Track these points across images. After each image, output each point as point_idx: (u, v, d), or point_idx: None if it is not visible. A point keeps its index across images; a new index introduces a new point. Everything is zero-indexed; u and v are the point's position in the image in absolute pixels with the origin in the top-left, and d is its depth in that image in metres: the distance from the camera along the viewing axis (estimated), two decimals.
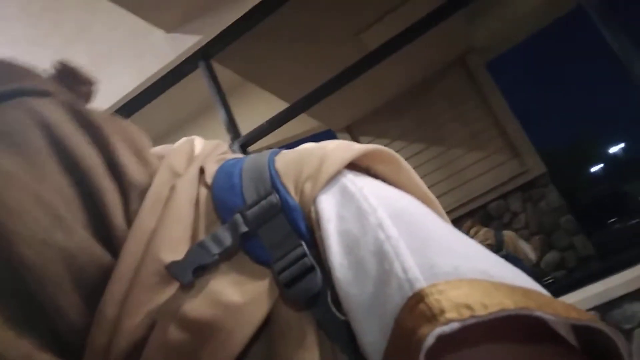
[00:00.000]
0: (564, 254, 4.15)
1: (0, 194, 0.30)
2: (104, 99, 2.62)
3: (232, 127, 2.44)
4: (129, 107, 2.67)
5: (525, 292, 0.24)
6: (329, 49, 3.17)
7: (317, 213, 0.30)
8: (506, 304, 0.22)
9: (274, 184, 0.33)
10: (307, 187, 0.32)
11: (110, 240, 0.32)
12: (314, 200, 0.31)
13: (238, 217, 0.32)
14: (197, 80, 2.53)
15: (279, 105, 3.31)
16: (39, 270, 0.29)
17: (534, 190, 4.29)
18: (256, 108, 3.51)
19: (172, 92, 2.69)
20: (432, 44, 3.60)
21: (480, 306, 0.21)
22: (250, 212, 0.32)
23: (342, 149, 0.34)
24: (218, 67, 2.59)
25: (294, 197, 0.32)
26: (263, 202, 0.32)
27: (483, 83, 4.54)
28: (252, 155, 0.38)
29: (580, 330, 0.25)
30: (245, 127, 2.46)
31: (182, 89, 2.72)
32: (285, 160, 0.35)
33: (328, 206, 0.31)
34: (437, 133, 4.39)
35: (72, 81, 0.41)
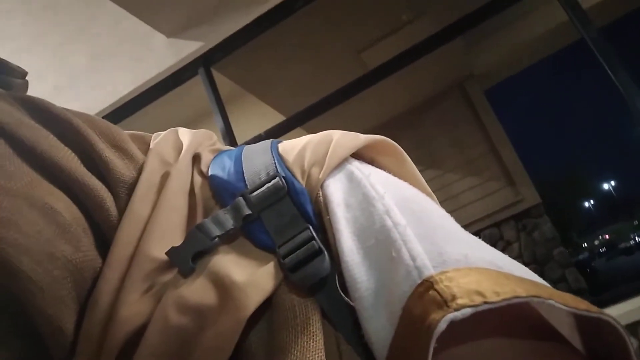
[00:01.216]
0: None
1: None
2: (100, 99, 2.60)
3: (228, 135, 2.43)
4: (125, 110, 2.65)
5: (534, 283, 0.23)
6: (329, 65, 3.19)
7: (325, 197, 0.30)
8: (518, 291, 0.21)
9: (280, 167, 0.32)
10: (314, 172, 0.31)
11: (105, 242, 0.30)
12: (321, 185, 0.30)
13: (240, 200, 0.30)
14: (196, 87, 2.51)
15: (275, 118, 3.30)
16: (42, 285, 0.26)
17: (528, 220, 4.29)
18: (252, 119, 3.50)
19: (170, 97, 2.68)
20: (431, 68, 3.63)
21: (492, 293, 0.21)
22: (253, 195, 0.30)
23: (348, 137, 0.34)
24: (217, 76, 2.58)
25: (300, 182, 0.31)
26: (268, 185, 0.30)
27: (481, 109, 4.57)
28: (250, 145, 0.37)
29: (584, 329, 0.25)
30: (241, 137, 2.45)
31: (180, 94, 2.70)
32: (289, 146, 0.34)
33: (335, 191, 0.30)
34: (433, 157, 4.40)
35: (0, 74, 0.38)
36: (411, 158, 0.36)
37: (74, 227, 0.29)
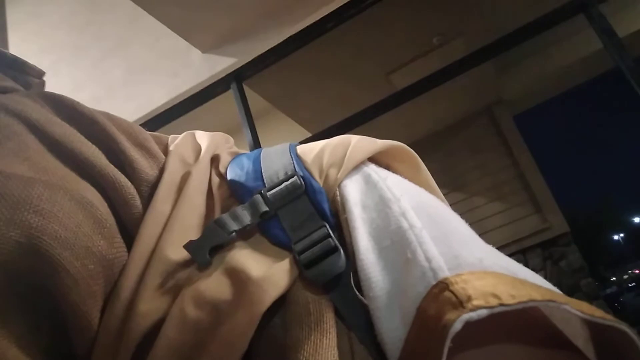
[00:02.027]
0: None
1: (28, 197, 0.27)
2: (135, 110, 2.69)
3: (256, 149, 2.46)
4: (159, 121, 2.72)
5: (550, 289, 0.23)
6: (357, 85, 3.21)
7: (342, 197, 0.30)
8: (534, 295, 0.21)
9: (298, 167, 0.32)
10: (332, 172, 0.32)
11: (130, 238, 0.30)
12: (338, 185, 0.31)
13: (258, 197, 0.31)
14: (227, 101, 2.57)
15: (301, 135, 3.34)
16: (78, 279, 0.27)
17: (555, 249, 4.18)
18: (280, 135, 3.54)
19: (202, 110, 2.74)
20: (460, 91, 3.62)
21: (508, 296, 0.21)
22: (270, 193, 0.31)
23: (366, 141, 0.34)
24: (248, 91, 2.64)
25: (318, 181, 0.31)
26: (286, 184, 0.31)
27: (509, 135, 4.51)
28: (269, 147, 0.38)
29: (598, 340, 0.25)
30: None
31: (211, 108, 2.77)
32: (308, 148, 0.35)
33: (353, 192, 0.30)
34: (459, 180, 4.35)
35: (19, 72, 0.38)
36: (436, 181, 0.37)
37: (109, 222, 0.29)
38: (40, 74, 0.39)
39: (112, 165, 0.32)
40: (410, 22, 2.82)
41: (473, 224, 0.31)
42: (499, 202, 4.26)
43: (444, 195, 0.36)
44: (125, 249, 0.30)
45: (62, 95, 0.36)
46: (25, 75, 0.39)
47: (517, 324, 0.23)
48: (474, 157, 4.50)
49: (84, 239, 0.28)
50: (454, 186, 4.30)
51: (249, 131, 2.47)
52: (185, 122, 2.83)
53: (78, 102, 0.35)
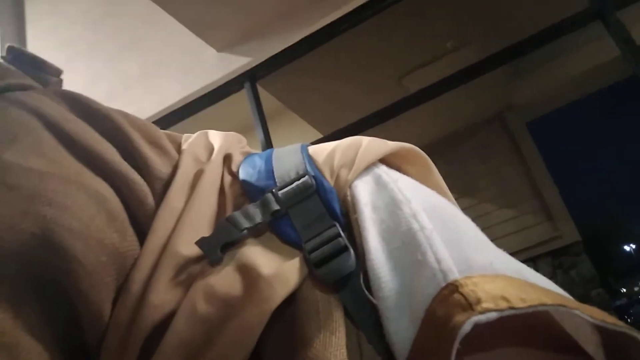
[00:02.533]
0: None
1: (43, 190, 0.28)
2: (150, 106, 2.71)
3: (268, 148, 2.47)
4: (172, 117, 2.75)
5: (560, 294, 0.23)
6: (370, 88, 3.21)
7: (353, 197, 0.30)
8: (544, 300, 0.21)
9: (309, 167, 0.33)
10: (343, 173, 0.32)
11: (141, 233, 0.31)
12: (349, 186, 0.31)
13: (269, 195, 0.31)
14: (240, 100, 2.58)
15: (313, 136, 3.34)
16: (90, 270, 0.27)
17: (566, 258, 4.13)
18: (292, 135, 3.55)
19: (215, 108, 2.76)
20: (472, 96, 3.60)
21: (518, 299, 0.21)
22: (282, 192, 0.32)
23: (377, 142, 0.35)
24: (261, 91, 2.65)
25: (329, 181, 0.32)
26: (297, 183, 0.32)
27: (521, 142, 4.47)
28: (280, 147, 0.38)
29: (609, 347, 0.25)
30: None
31: (224, 106, 2.78)
32: (319, 149, 0.35)
33: (363, 192, 0.30)
34: (469, 185, 4.32)
35: (37, 70, 0.39)
36: (447, 185, 0.37)
37: (122, 217, 0.30)
38: (57, 72, 0.40)
39: (125, 163, 0.33)
40: (424, 25, 2.81)
41: (483, 230, 0.30)
42: (510, 209, 4.22)
43: (455, 200, 0.36)
44: (138, 243, 0.30)
45: (78, 94, 0.37)
46: (44, 74, 0.39)
47: (526, 328, 0.23)
48: (485, 163, 4.47)
49: (97, 231, 0.28)
50: (464, 192, 4.27)
51: (262, 131, 2.48)
52: (198, 120, 2.85)
53: (93, 100, 0.36)
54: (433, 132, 4.38)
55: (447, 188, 0.36)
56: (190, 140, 0.39)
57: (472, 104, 3.98)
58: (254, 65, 2.49)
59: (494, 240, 0.29)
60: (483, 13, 2.85)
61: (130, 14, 2.84)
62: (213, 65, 2.57)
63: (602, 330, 0.23)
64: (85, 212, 0.28)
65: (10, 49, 0.38)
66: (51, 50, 2.93)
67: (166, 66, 2.71)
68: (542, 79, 4.42)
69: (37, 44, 3.01)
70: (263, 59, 2.46)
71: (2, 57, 0.39)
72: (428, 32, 2.91)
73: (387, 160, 0.35)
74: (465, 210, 0.32)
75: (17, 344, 0.26)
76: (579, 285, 4.02)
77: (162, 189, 0.33)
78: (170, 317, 0.27)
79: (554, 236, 4.09)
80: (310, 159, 0.34)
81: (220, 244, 0.29)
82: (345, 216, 0.31)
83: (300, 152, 0.35)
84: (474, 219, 0.31)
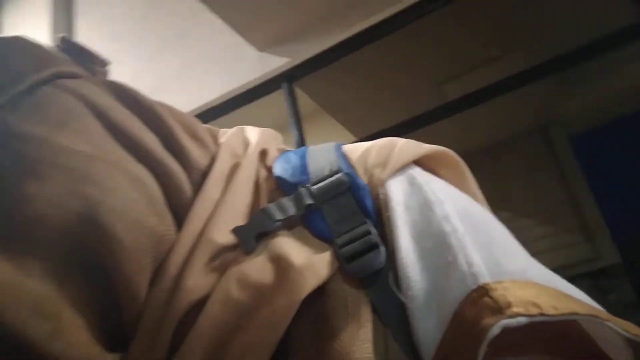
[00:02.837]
0: None
1: (89, 172, 0.30)
2: (189, 103, 2.76)
3: None
4: (210, 114, 2.79)
5: (593, 306, 0.23)
6: (408, 93, 3.17)
7: (385, 195, 0.31)
8: (577, 309, 0.21)
9: (343, 164, 0.33)
10: (377, 172, 0.32)
11: (178, 221, 0.32)
12: (382, 185, 0.31)
13: (303, 190, 0.32)
14: (276, 100, 2.60)
15: (347, 139, 3.33)
16: (130, 250, 0.29)
17: (605, 280, 3.96)
18: (326, 137, 3.54)
19: (251, 107, 2.79)
20: (515, 107, 3.50)
21: (550, 307, 0.21)
22: (315, 187, 0.32)
23: (413, 144, 0.35)
24: (298, 92, 2.66)
25: (362, 179, 0.32)
26: (331, 179, 0.32)
27: (563, 156, 4.32)
28: (315, 145, 0.39)
29: None
30: None
31: (261, 105, 2.81)
32: (354, 147, 0.36)
33: (396, 191, 0.31)
34: (505, 198, 4.20)
35: (86, 60, 0.41)
36: (484, 196, 0.36)
37: (161, 202, 0.32)
38: (105, 63, 0.42)
39: (166, 152, 0.34)
40: (467, 32, 2.76)
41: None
42: (547, 225, 4.09)
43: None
44: (175, 229, 0.32)
45: (124, 84, 0.38)
46: (92, 64, 0.41)
47: (556, 338, 0.22)
48: (525, 176, 4.34)
49: (138, 214, 0.30)
50: (500, 204, 4.16)
51: (296, 131, 2.49)
52: (234, 118, 2.89)
53: (138, 91, 0.38)
54: (471, 142, 4.29)
55: (481, 194, 0.36)
56: (228, 135, 0.41)
57: (515, 115, 3.88)
58: (292, 65, 2.51)
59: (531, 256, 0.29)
60: (529, 21, 2.77)
61: (176, 11, 2.91)
62: (252, 65, 2.60)
63: (635, 346, 0.23)
64: (128, 195, 0.30)
65: (63, 39, 0.40)
66: (97, 43, 3.03)
67: (207, 63, 2.76)
68: (589, 93, 4.25)
69: (85, 37, 3.13)
70: (302, 60, 2.47)
71: (55, 47, 0.41)
72: (471, 39, 2.85)
73: (421, 163, 0.35)
74: (502, 223, 0.31)
75: (59, 315, 0.27)
76: (619, 310, 3.83)
77: (199, 180, 0.34)
78: (203, 301, 0.28)
79: (592, 257, 3.93)
80: (345, 157, 0.35)
81: (254, 234, 0.30)
82: (377, 214, 0.31)
83: (335, 150, 0.36)
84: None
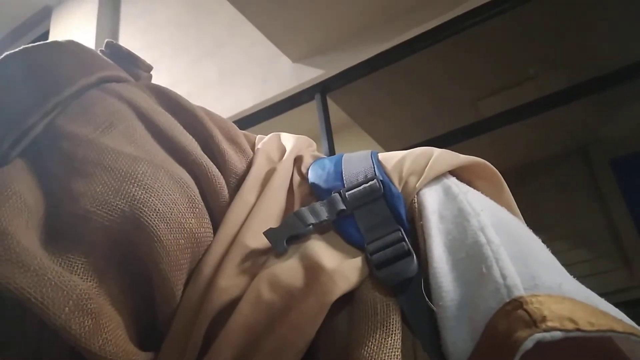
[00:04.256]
0: None
1: (134, 173, 0.31)
2: (224, 111, 2.81)
3: None
4: (244, 123, 2.83)
5: (631, 324, 0.23)
6: (442, 109, 3.14)
7: (420, 204, 0.31)
8: (615, 326, 0.20)
9: (378, 172, 0.33)
10: (412, 180, 0.32)
11: (214, 223, 0.33)
12: (417, 193, 0.31)
13: (336, 195, 0.32)
14: (309, 111, 2.62)
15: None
16: (169, 250, 0.29)
17: None
18: (355, 149, 3.54)
19: (284, 117, 2.82)
20: (555, 126, 3.41)
21: (586, 323, 0.20)
22: (349, 193, 0.32)
23: (449, 154, 0.35)
24: (330, 104, 2.67)
25: (397, 187, 0.32)
26: (365, 186, 0.32)
27: (603, 179, 4.16)
28: (350, 153, 0.39)
29: None
30: None
31: (293, 115, 2.83)
32: (389, 156, 0.36)
33: (431, 200, 0.30)
34: (541, 219, 4.07)
35: (130, 65, 0.42)
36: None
37: (200, 204, 0.33)
38: (148, 68, 0.44)
39: (205, 156, 0.35)
40: (504, 49, 2.71)
41: None
42: (584, 250, 3.93)
43: None
44: (212, 231, 0.32)
45: (167, 89, 0.40)
46: (136, 69, 0.43)
47: (590, 356, 0.22)
48: (562, 197, 4.20)
49: (178, 215, 0.30)
50: (535, 225, 3.92)
51: (327, 143, 2.49)
52: (266, 127, 2.92)
53: (180, 96, 0.39)
54: (508, 160, 4.19)
55: (517, 208, 0.35)
56: (264, 141, 0.42)
57: (553, 135, 3.78)
58: (326, 77, 2.52)
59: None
60: (571, 40, 2.70)
61: (215, 21, 2.98)
62: (287, 75, 2.63)
63: None
64: (170, 195, 0.31)
65: (109, 44, 0.42)
66: (139, 50, 3.13)
67: (243, 73, 2.81)
68: (633, 115, 4.10)
69: (128, 44, 3.23)
70: (336, 72, 2.48)
71: (101, 51, 0.43)
72: (509, 56, 2.80)
73: (457, 174, 0.34)
74: None
75: (99, 311, 0.28)
76: None
77: (236, 184, 0.36)
78: (235, 301, 0.29)
79: (630, 285, 3.75)
80: (380, 165, 0.34)
81: (286, 236, 0.31)
82: (410, 222, 0.31)
83: (370, 157, 0.36)
84: None
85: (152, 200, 0.30)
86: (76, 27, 3.44)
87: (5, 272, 0.26)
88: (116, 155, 0.32)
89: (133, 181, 0.30)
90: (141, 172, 0.31)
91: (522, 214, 0.35)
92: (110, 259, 0.30)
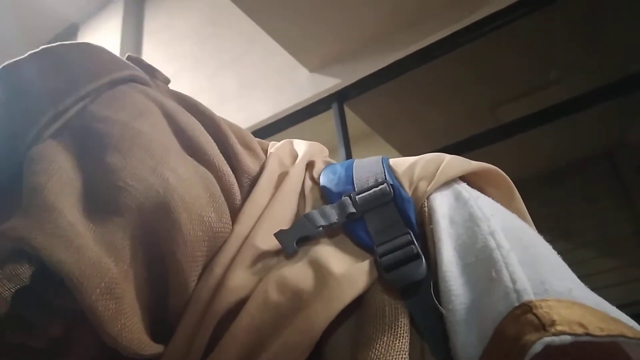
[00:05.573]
0: None
1: (167, 159, 0.32)
2: (243, 121, 2.84)
3: None
4: (262, 133, 2.86)
5: None
6: (460, 116, 3.11)
7: (430, 208, 0.30)
8: (625, 332, 0.20)
9: (388, 176, 0.33)
10: (422, 184, 0.32)
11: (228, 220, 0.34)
12: (427, 198, 0.31)
13: (347, 199, 0.32)
14: (326, 120, 2.62)
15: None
16: (186, 240, 0.30)
17: None
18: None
19: (301, 126, 2.83)
20: (580, 131, 3.34)
21: (596, 328, 0.20)
22: (359, 197, 0.32)
23: (460, 160, 0.35)
24: (348, 112, 2.67)
25: (407, 191, 0.32)
26: (375, 190, 0.32)
27: (631, 185, 4.04)
28: (361, 158, 0.39)
29: None
30: None
31: (310, 125, 2.84)
32: (400, 161, 0.36)
33: (441, 205, 0.30)
34: (566, 227, 3.97)
35: (150, 77, 0.44)
36: (542, 225, 0.34)
37: (221, 200, 0.33)
38: (166, 80, 0.46)
39: (220, 155, 0.36)
40: (524, 54, 2.67)
41: (580, 278, 0.28)
42: (611, 258, 3.82)
43: (547, 240, 0.33)
44: (230, 227, 0.33)
45: (186, 94, 0.42)
46: (156, 80, 0.45)
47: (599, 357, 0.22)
48: (588, 204, 4.09)
49: (200, 208, 0.31)
50: (561, 233, 3.93)
51: (344, 152, 2.49)
52: (284, 137, 2.93)
53: (199, 102, 0.41)
54: (532, 166, 4.11)
55: (529, 216, 0.35)
56: (277, 146, 0.43)
57: (579, 139, 3.69)
58: (343, 86, 2.53)
59: (593, 290, 0.27)
60: (591, 44, 2.65)
61: (233, 34, 3.03)
62: (304, 85, 2.64)
63: None
64: (195, 189, 0.32)
65: (130, 57, 0.44)
66: (161, 63, 3.20)
67: (261, 84, 2.84)
68: None
69: (150, 57, 3.30)
70: (353, 81, 2.48)
71: None
72: (528, 62, 2.76)
73: (468, 180, 0.34)
74: (561, 253, 0.29)
75: (123, 297, 0.28)
76: None
77: (248, 186, 0.36)
78: (243, 302, 0.29)
79: None
80: (390, 169, 0.35)
81: (296, 238, 0.31)
82: (420, 226, 0.30)
83: (381, 162, 0.36)
84: (571, 265, 0.29)
85: (181, 189, 0.31)
86: (101, 43, 3.53)
87: (51, 245, 0.27)
88: (150, 138, 0.33)
89: (167, 166, 0.31)
90: (173, 159, 0.32)
91: (546, 221, 0.34)
92: (136, 237, 0.30)
